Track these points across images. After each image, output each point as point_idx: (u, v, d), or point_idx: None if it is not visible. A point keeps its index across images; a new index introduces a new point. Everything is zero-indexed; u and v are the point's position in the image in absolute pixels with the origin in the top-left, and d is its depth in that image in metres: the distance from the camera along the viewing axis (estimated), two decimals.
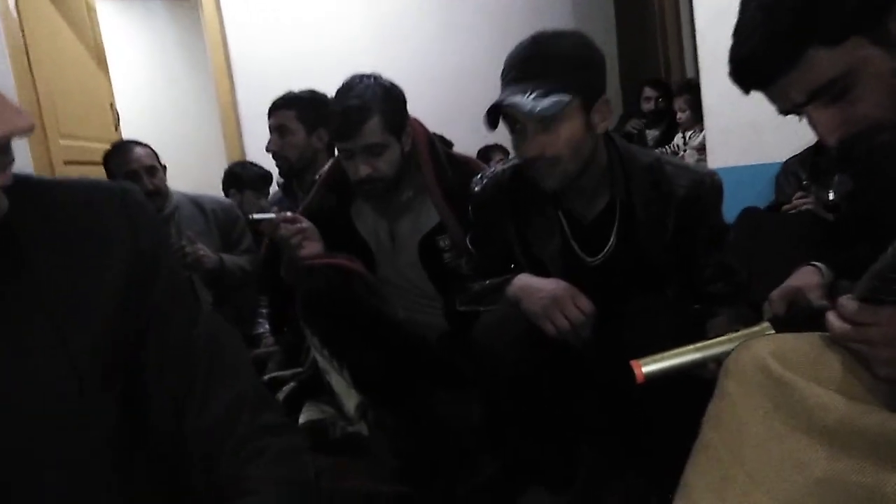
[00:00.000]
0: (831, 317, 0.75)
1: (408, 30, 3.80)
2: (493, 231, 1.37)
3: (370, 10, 3.69)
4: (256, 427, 0.67)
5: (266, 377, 1.78)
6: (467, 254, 1.44)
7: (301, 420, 1.59)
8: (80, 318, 0.58)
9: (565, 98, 1.13)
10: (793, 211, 2.11)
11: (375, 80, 1.57)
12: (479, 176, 1.42)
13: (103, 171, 3.10)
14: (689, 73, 4.55)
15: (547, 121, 1.14)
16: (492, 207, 1.36)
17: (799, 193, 2.18)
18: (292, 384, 1.70)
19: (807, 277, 1.09)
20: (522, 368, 1.21)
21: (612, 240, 1.30)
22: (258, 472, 0.64)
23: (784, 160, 2.52)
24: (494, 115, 1.22)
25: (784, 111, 0.81)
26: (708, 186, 1.25)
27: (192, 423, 0.64)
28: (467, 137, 3.90)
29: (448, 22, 3.92)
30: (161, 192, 2.20)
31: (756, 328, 0.96)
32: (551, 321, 1.15)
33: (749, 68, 0.78)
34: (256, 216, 1.55)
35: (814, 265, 1.12)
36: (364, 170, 1.51)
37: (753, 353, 0.80)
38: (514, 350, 1.21)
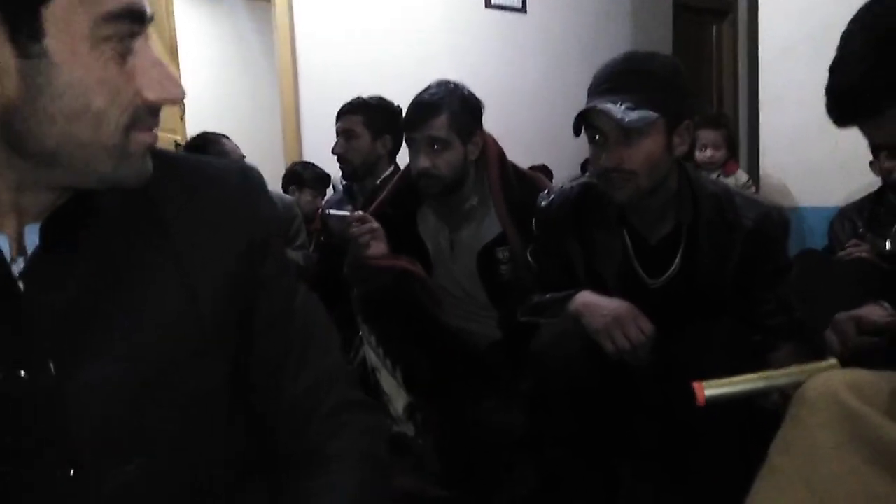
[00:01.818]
0: None
1: (468, 50, 3.87)
2: (555, 246, 1.40)
3: (434, 29, 3.77)
4: (343, 401, 0.71)
5: None
6: (528, 267, 1.46)
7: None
8: (207, 274, 0.64)
9: (653, 115, 1.16)
10: (847, 258, 2.09)
11: (455, 85, 1.65)
12: (546, 191, 1.45)
13: None
14: (742, 109, 4.54)
15: (631, 133, 1.17)
16: (557, 222, 1.39)
17: (853, 241, 2.15)
18: None
19: (871, 308, 1.10)
20: (576, 384, 1.23)
21: (675, 263, 1.32)
22: (342, 444, 0.68)
23: (840, 205, 2.50)
24: (580, 121, 1.24)
25: (881, 145, 0.82)
26: (775, 221, 1.26)
27: (286, 389, 0.69)
28: (514, 156, 3.95)
29: (508, 41, 3.98)
30: None
31: (823, 363, 0.97)
32: (612, 340, 1.17)
33: (850, 100, 0.78)
34: (331, 212, 1.61)
35: (877, 302, 1.12)
36: (423, 161, 1.56)
37: (828, 383, 0.81)
38: (570, 365, 1.23)
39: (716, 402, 0.94)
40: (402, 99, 1.96)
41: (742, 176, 2.85)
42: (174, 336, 0.61)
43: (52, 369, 0.56)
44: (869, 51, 0.75)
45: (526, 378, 1.37)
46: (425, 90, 1.62)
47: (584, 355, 1.22)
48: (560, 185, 1.45)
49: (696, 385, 0.93)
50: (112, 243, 0.60)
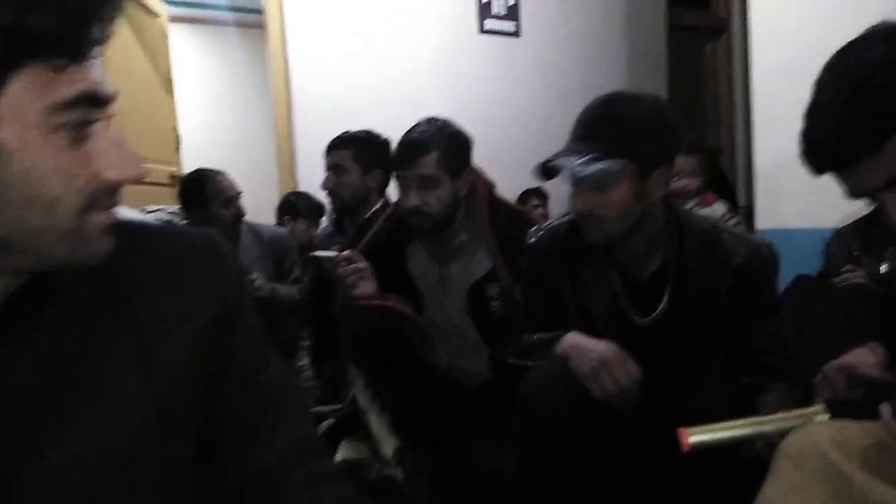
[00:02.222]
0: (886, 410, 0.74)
1: (462, 75, 3.89)
2: (545, 282, 1.39)
3: (428, 56, 3.79)
4: (315, 473, 0.69)
5: None
6: (518, 304, 1.45)
7: (337, 458, 1.61)
8: (171, 352, 0.62)
9: (616, 167, 1.16)
10: (842, 284, 2.07)
11: (444, 122, 1.65)
12: (536, 227, 1.45)
13: (161, 191, 3.26)
14: (739, 129, 4.54)
15: (598, 182, 1.17)
16: (546, 259, 1.39)
17: (848, 266, 2.13)
18: (331, 420, 1.72)
19: (862, 356, 1.08)
20: (565, 427, 1.22)
21: (664, 301, 1.30)
22: None
23: (835, 227, 2.48)
24: (547, 169, 1.25)
25: (855, 195, 0.81)
26: (764, 257, 1.26)
27: (255, 462, 0.68)
28: (509, 179, 3.95)
29: (503, 66, 4.00)
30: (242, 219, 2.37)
31: (810, 409, 0.95)
32: (599, 383, 1.15)
33: (826, 151, 0.78)
34: (319, 253, 1.61)
35: (869, 346, 1.10)
36: (413, 200, 1.56)
37: (812, 438, 0.80)
38: (558, 407, 1.22)
39: (700, 449, 0.92)
40: (399, 126, 1.97)
41: (720, 207, 2.69)
42: (134, 420, 0.59)
43: (6, 460, 0.54)
44: (841, 102, 0.75)
45: (517, 419, 1.35)
46: (414, 128, 1.62)
47: (571, 398, 1.20)
48: (549, 222, 1.45)
49: (681, 431, 0.92)
50: (73, 324, 0.59)
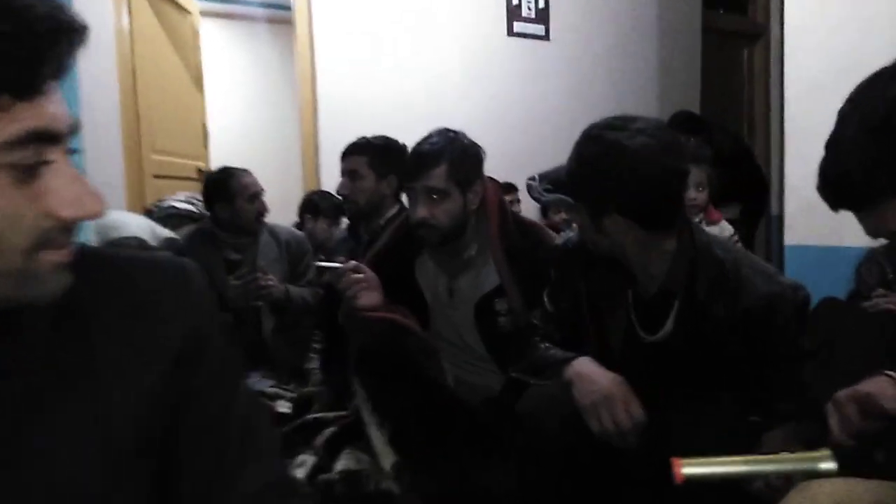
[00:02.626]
0: None
1: (491, 79, 3.85)
2: (568, 288, 1.38)
3: (456, 58, 3.76)
4: None
5: (310, 416, 1.81)
6: (542, 308, 1.43)
7: (337, 468, 1.61)
8: (124, 391, 0.60)
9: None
10: (872, 310, 1.98)
11: (456, 134, 1.62)
12: (564, 236, 1.48)
13: (188, 185, 3.31)
14: (775, 139, 4.41)
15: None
16: (569, 265, 1.38)
17: (879, 290, 2.04)
18: (333, 429, 1.72)
19: (880, 385, 1.00)
20: (562, 450, 1.19)
21: (669, 321, 1.27)
22: None
23: (869, 246, 2.38)
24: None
25: (875, 234, 0.77)
26: (787, 301, 1.16)
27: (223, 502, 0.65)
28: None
29: (531, 69, 3.95)
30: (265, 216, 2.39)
31: (815, 454, 0.90)
32: (597, 419, 1.12)
33: (843, 189, 0.75)
34: (323, 264, 1.60)
35: (888, 375, 1.03)
36: (421, 212, 1.54)
37: (813, 496, 0.76)
38: (556, 431, 1.19)
39: (695, 482, 0.89)
40: (425, 130, 1.96)
41: (727, 227, 2.52)
42: (86, 464, 0.58)
43: None
44: (864, 140, 0.71)
45: (519, 437, 1.33)
46: (425, 139, 1.60)
47: (568, 424, 1.18)
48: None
49: (675, 461, 0.88)
50: (29, 363, 0.57)
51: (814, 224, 2.65)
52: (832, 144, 0.76)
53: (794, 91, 2.71)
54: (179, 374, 0.63)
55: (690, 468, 0.87)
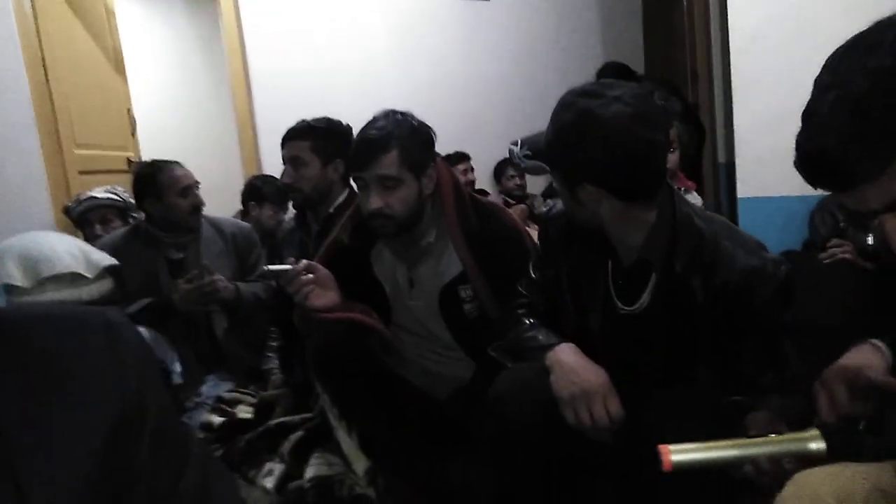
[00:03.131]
0: None
1: (429, 43, 3.71)
2: (552, 257, 1.33)
3: (391, 23, 3.60)
4: None
5: (273, 422, 1.72)
6: (526, 277, 1.38)
7: (308, 475, 1.53)
8: (51, 480, 0.51)
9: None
10: (828, 260, 2.00)
11: (403, 116, 1.51)
12: (549, 205, 1.42)
13: (119, 178, 3.09)
14: (718, 93, 4.42)
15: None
16: (553, 234, 1.33)
17: (834, 241, 2.05)
18: (300, 433, 1.63)
19: (867, 356, 0.95)
20: (535, 439, 1.15)
21: (645, 294, 1.23)
22: None
23: (821, 195, 2.40)
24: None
25: (853, 214, 0.72)
26: (768, 276, 1.11)
27: None
28: (485, 151, 3.83)
29: (474, 31, 3.83)
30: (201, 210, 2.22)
31: (804, 434, 0.87)
32: (574, 412, 1.09)
33: (825, 168, 0.69)
34: (272, 268, 1.49)
35: (873, 343, 1.00)
36: (375, 203, 1.44)
37: (813, 491, 0.72)
38: (528, 417, 1.15)
39: (683, 469, 0.85)
40: (366, 99, 1.83)
41: (697, 198, 2.30)
42: None
43: None
44: (843, 117, 0.65)
45: (485, 426, 1.28)
46: (370, 124, 1.48)
47: (545, 411, 1.13)
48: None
49: (662, 448, 0.84)
50: None
51: (765, 174, 2.66)
52: (808, 117, 0.70)
53: (739, 41, 2.68)
54: (117, 450, 0.54)
55: (679, 455, 0.84)
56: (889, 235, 0.70)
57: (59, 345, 0.55)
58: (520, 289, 1.38)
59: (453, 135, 3.63)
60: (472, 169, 3.75)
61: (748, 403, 1.08)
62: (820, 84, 0.70)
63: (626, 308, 1.24)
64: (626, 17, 4.30)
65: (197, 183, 2.22)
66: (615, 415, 1.09)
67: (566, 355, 1.17)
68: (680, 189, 1.80)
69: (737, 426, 1.04)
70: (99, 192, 2.51)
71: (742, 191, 2.74)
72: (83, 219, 2.46)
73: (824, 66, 0.71)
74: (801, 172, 0.73)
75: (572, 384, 1.11)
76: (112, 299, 1.71)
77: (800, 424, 0.92)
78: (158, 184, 2.13)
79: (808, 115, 0.71)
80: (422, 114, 1.56)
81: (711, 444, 0.87)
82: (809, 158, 0.70)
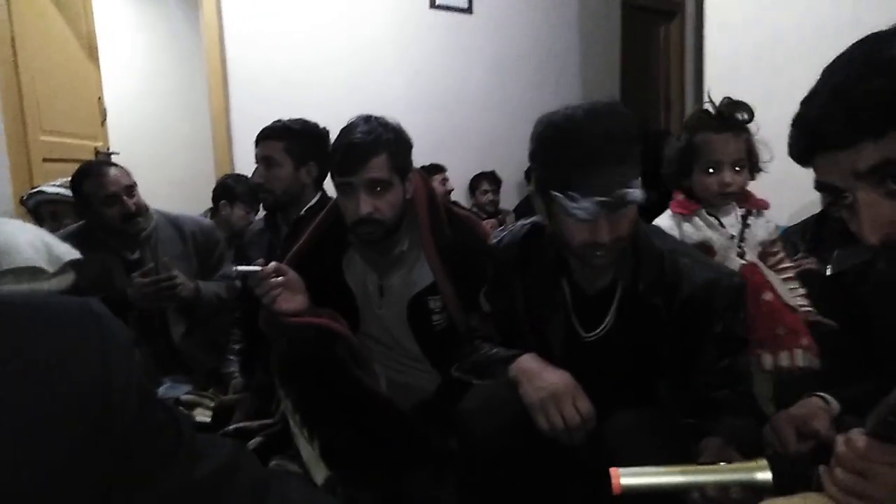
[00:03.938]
0: (841, 449, 0.70)
1: (410, 54, 3.72)
2: (504, 287, 1.32)
3: (372, 32, 3.60)
4: None
5: (231, 427, 1.69)
6: (478, 308, 1.37)
7: None
8: (19, 464, 0.49)
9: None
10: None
11: (386, 120, 1.51)
12: (501, 228, 1.39)
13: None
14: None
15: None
16: (504, 264, 1.32)
17: (801, 254, 2.11)
18: (259, 439, 1.60)
19: (812, 408, 1.05)
20: (505, 454, 1.15)
21: (608, 318, 1.24)
22: None
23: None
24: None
25: (828, 186, 0.72)
26: (723, 289, 1.15)
27: None
28: (460, 161, 3.84)
29: (454, 42, 3.84)
30: (142, 212, 2.08)
31: (751, 464, 0.89)
32: (545, 417, 1.09)
33: (805, 130, 0.70)
34: (241, 268, 1.46)
35: (820, 396, 1.07)
36: (365, 207, 1.42)
37: None
38: (499, 434, 1.14)
39: (632, 493, 0.86)
40: (345, 104, 1.79)
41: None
42: None
43: None
44: (826, 97, 0.68)
45: (451, 440, 1.27)
46: (352, 129, 1.46)
47: (515, 425, 1.14)
48: (511, 225, 1.39)
49: (613, 471, 0.86)
50: None
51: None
52: (812, 94, 0.71)
53: (714, 69, 2.75)
54: (99, 445, 0.53)
55: (627, 478, 0.86)
56: (860, 215, 0.69)
57: (41, 333, 0.53)
58: (472, 324, 1.38)
59: (432, 146, 3.64)
60: (447, 179, 3.75)
61: (702, 428, 1.10)
62: (827, 70, 0.71)
63: (588, 335, 1.26)
64: (606, 40, 4.37)
65: (128, 186, 2.05)
66: (585, 413, 1.09)
67: (529, 363, 1.18)
68: (753, 210, 1.62)
69: (691, 451, 1.06)
70: (48, 187, 2.36)
71: None
72: (36, 212, 2.36)
73: (834, 60, 0.72)
74: (796, 143, 0.73)
75: (540, 389, 1.11)
76: (70, 295, 1.65)
77: (751, 452, 0.95)
78: (84, 192, 2.02)
79: (810, 95, 0.72)
80: (400, 123, 1.55)
81: (661, 469, 0.89)
82: (795, 129, 0.71)
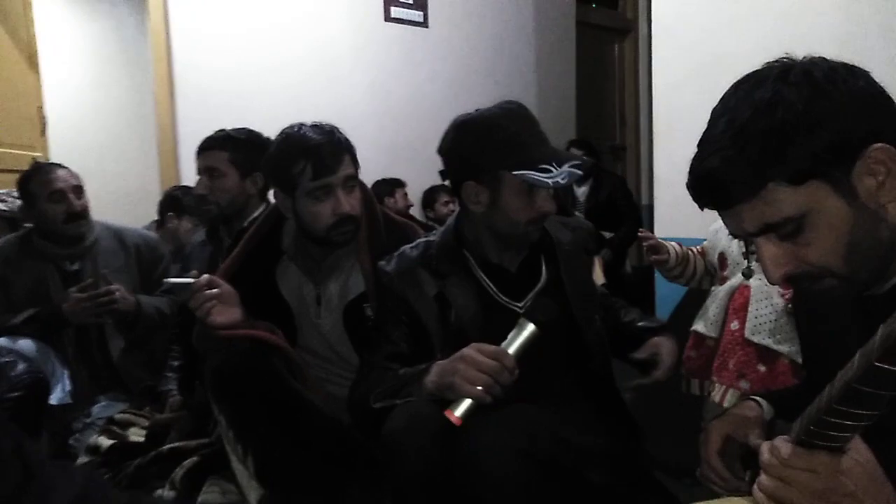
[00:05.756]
0: (765, 456, 0.70)
1: (365, 66, 3.70)
2: (401, 310, 1.32)
3: (327, 44, 3.57)
4: None
5: (166, 447, 1.61)
6: (374, 339, 1.36)
7: (199, 501, 1.44)
8: None
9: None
10: None
11: (331, 125, 1.50)
12: (387, 258, 1.38)
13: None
14: (644, 133, 4.62)
15: None
16: (398, 287, 1.32)
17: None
18: (194, 459, 1.53)
19: (747, 411, 1.05)
20: (436, 468, 1.11)
21: (542, 277, 1.35)
22: None
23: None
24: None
25: (734, 235, 0.80)
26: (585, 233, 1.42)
27: None
28: (418, 174, 3.82)
29: (409, 55, 3.84)
30: (87, 216, 2.03)
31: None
32: (467, 381, 1.06)
33: (707, 187, 0.76)
34: (172, 280, 1.41)
35: (755, 400, 1.08)
36: (345, 206, 1.43)
37: None
38: (424, 451, 1.11)
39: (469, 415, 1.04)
40: (296, 118, 1.74)
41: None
42: None
43: None
44: (728, 139, 0.72)
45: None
46: (305, 134, 1.44)
47: (438, 439, 1.10)
48: (399, 251, 1.39)
49: (447, 413, 1.05)
50: None
51: (681, 216, 2.76)
52: (702, 143, 0.77)
53: (661, 87, 2.80)
54: None
55: (460, 409, 1.05)
56: (762, 259, 0.76)
57: None
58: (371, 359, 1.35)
59: (388, 159, 3.61)
60: (406, 194, 3.73)
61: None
62: (714, 113, 0.77)
63: (521, 304, 1.31)
64: (561, 56, 4.43)
65: (76, 186, 2.02)
66: (496, 351, 1.08)
67: (438, 366, 1.15)
68: None
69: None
70: None
71: (659, 231, 2.83)
72: None
73: (720, 99, 0.79)
74: (690, 192, 0.79)
75: (451, 367, 1.10)
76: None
77: None
78: (30, 190, 1.96)
79: (701, 141, 0.78)
80: (355, 136, 1.54)
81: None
82: (697, 179, 0.76)
